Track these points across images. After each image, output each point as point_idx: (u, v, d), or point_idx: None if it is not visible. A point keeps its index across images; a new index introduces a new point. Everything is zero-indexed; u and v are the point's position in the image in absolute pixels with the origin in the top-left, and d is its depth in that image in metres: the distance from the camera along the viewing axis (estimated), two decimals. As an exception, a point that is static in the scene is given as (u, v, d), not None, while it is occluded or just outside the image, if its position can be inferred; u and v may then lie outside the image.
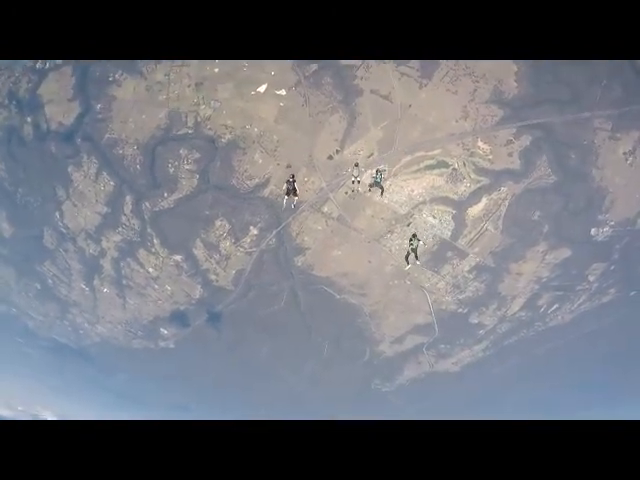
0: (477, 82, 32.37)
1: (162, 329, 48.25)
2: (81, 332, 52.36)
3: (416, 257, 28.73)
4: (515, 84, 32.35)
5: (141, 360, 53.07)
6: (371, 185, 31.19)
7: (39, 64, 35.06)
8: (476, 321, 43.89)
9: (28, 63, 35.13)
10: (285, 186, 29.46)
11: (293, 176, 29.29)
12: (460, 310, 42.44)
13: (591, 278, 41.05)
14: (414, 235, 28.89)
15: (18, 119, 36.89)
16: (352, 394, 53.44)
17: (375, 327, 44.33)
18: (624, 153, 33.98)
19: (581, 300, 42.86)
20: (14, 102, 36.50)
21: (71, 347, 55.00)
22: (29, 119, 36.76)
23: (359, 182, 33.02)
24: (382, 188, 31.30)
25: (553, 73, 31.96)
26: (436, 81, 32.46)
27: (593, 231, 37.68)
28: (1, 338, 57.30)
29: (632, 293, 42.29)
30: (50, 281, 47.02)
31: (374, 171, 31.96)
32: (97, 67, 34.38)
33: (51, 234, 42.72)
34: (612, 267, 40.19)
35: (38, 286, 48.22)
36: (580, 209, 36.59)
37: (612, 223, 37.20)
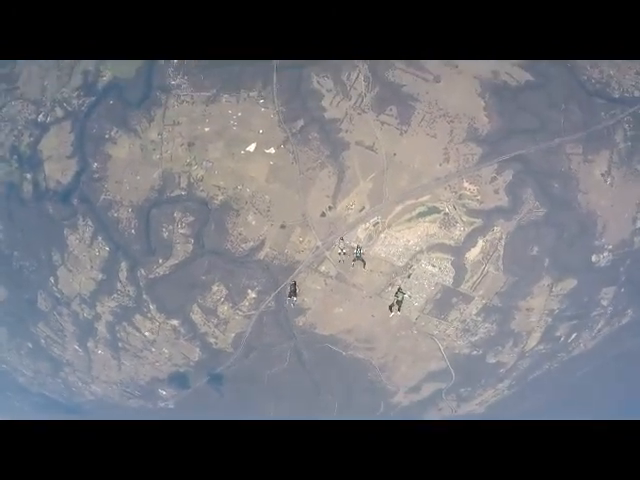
0: (452, 122, 36.77)
1: (160, 390, 50.86)
2: (74, 390, 55.06)
3: (398, 309, 33.46)
4: (486, 119, 36.88)
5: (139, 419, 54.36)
6: (354, 260, 35.01)
7: (41, 117, 39.58)
8: (494, 360, 46.41)
9: (30, 116, 39.73)
10: (289, 290, 35.35)
11: (295, 283, 35.65)
12: (475, 352, 44.97)
13: (604, 302, 43.99)
14: (399, 289, 34.01)
15: (18, 175, 40.76)
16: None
17: (386, 379, 46.66)
18: (602, 174, 38.17)
19: (600, 325, 45.63)
20: (15, 156, 40.54)
21: (63, 403, 57.55)
22: (29, 176, 40.60)
23: (345, 254, 36.48)
24: (364, 261, 35.51)
25: (514, 101, 36.87)
26: (414, 126, 36.79)
27: (594, 258, 41.04)
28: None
29: (650, 311, 44.24)
30: (43, 341, 50.18)
31: (355, 247, 35.89)
32: (94, 123, 38.66)
33: (45, 298, 46.10)
34: (622, 289, 43.35)
35: (30, 345, 51.51)
36: (575, 237, 40.11)
37: (610, 247, 40.66)
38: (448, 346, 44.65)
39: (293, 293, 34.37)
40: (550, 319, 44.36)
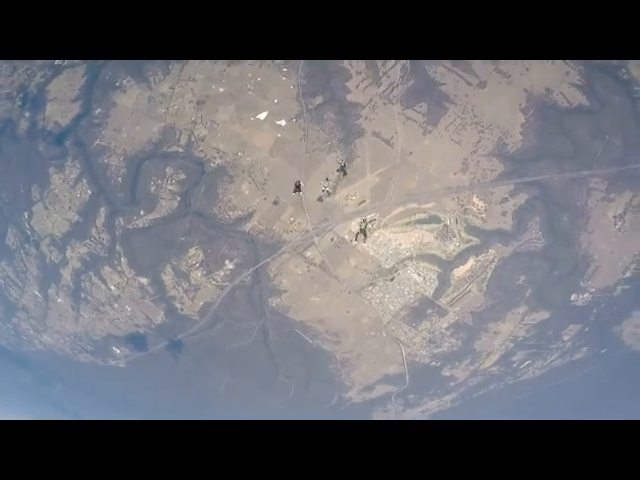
0: (482, 132, 32.28)
1: (114, 348, 45.09)
2: (24, 338, 48.58)
3: (364, 239, 31.93)
4: (520, 136, 32.42)
5: (84, 375, 49.24)
6: (337, 170, 32.20)
7: (58, 60, 34.37)
8: (448, 374, 43.01)
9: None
10: (294, 188, 32.38)
11: (299, 181, 32.28)
12: (433, 363, 41.37)
13: (565, 337, 41.22)
14: (364, 219, 31.62)
15: (17, 113, 35.82)
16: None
17: (346, 374, 42.48)
18: (614, 217, 34.45)
19: (554, 357, 42.86)
20: (21, 95, 35.71)
21: (9, 350, 50.97)
22: (27, 114, 35.70)
23: (329, 193, 32.91)
24: (345, 172, 32.43)
25: (558, 123, 32.37)
26: (441, 128, 32.24)
27: (573, 297, 37.88)
28: None
29: (603, 351, 42.65)
30: (2, 281, 43.60)
31: (342, 162, 32.46)
32: (109, 70, 33.76)
33: (15, 234, 39.90)
34: (587, 328, 40.42)
35: None
36: (564, 275, 36.68)
37: (592, 290, 37.50)
38: (411, 353, 40.80)
39: (298, 189, 31.96)
40: (512, 345, 41.14)
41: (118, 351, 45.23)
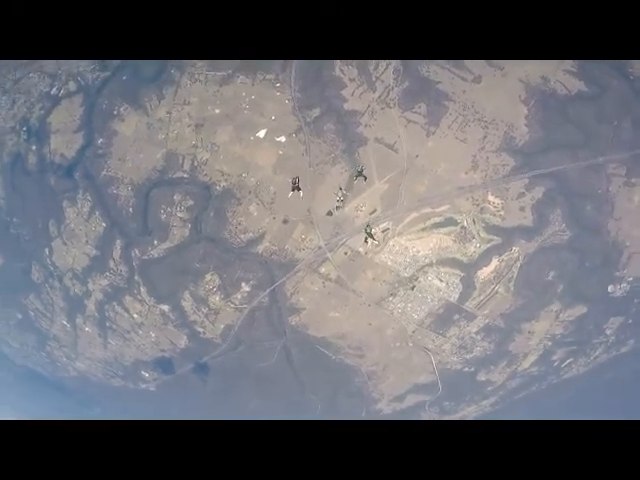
0: (487, 128, 31.26)
1: (143, 372, 46.43)
2: (58, 364, 50.68)
3: (373, 239, 32.00)
4: (526, 128, 31.36)
5: (119, 397, 50.91)
6: (355, 177, 31.81)
7: (54, 90, 35.74)
8: (484, 378, 41.68)
9: (45, 89, 36.07)
10: (292, 185, 31.85)
11: (297, 177, 31.85)
12: (466, 369, 40.17)
13: (608, 332, 39.27)
14: (368, 224, 31.79)
15: (25, 146, 37.20)
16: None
17: (373, 387, 41.93)
18: None
19: (597, 352, 40.90)
20: (24, 128, 37.03)
21: (46, 377, 53.23)
22: (34, 147, 36.97)
23: (342, 201, 32.56)
24: (365, 177, 31.86)
25: (561, 112, 31.29)
26: (444, 128, 31.38)
27: (610, 288, 35.97)
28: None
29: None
30: (32, 313, 45.65)
31: (359, 167, 31.93)
32: (105, 99, 34.70)
33: (38, 269, 41.63)
34: (630, 320, 38.42)
35: (19, 316, 46.98)
36: (596, 266, 34.84)
37: (630, 279, 35.57)
38: (441, 360, 39.78)
39: (296, 187, 31.38)
40: (550, 343, 39.46)
41: (147, 375, 46.54)
